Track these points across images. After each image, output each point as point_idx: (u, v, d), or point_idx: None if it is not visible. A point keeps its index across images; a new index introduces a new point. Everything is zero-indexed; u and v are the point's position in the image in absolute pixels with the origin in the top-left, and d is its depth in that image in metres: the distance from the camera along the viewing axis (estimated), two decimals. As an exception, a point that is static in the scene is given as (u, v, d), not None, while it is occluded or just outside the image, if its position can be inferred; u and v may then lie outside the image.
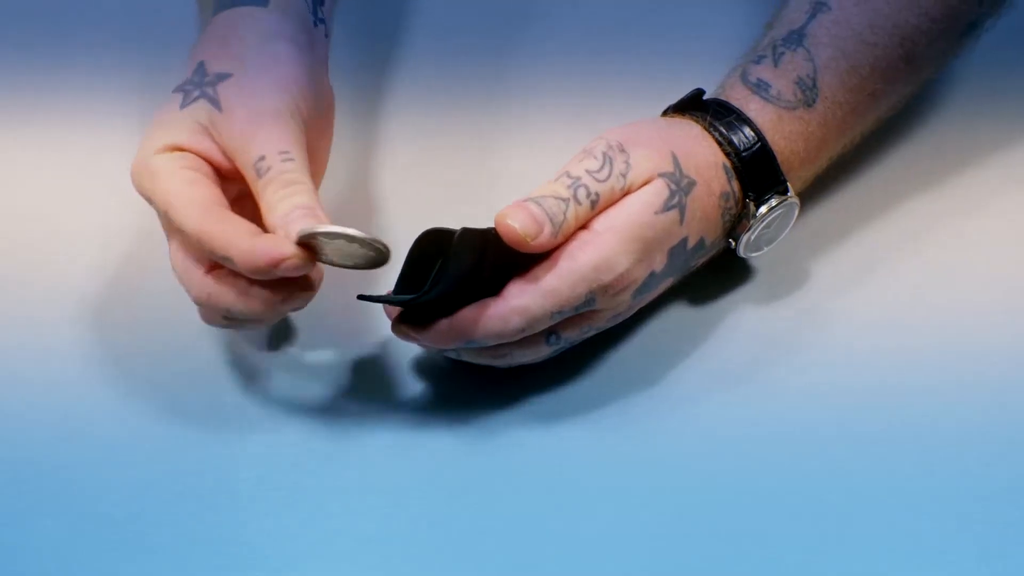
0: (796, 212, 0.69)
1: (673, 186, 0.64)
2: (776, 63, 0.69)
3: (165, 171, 0.62)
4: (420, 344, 0.64)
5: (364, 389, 0.67)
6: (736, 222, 0.68)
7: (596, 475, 0.64)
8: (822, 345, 0.69)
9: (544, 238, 0.61)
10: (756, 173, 0.67)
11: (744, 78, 0.69)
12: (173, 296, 0.67)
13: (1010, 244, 0.73)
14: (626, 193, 0.64)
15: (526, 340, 0.64)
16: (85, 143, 0.78)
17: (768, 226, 0.68)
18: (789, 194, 0.67)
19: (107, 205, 0.74)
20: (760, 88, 0.68)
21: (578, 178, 0.63)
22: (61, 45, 0.84)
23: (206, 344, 0.69)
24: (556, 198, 0.62)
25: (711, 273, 0.71)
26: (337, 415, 0.66)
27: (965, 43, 0.74)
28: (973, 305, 0.70)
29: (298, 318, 0.70)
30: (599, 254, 0.62)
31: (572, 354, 0.67)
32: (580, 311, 0.63)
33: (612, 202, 0.64)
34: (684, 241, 0.65)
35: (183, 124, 0.63)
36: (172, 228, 0.63)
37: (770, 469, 0.64)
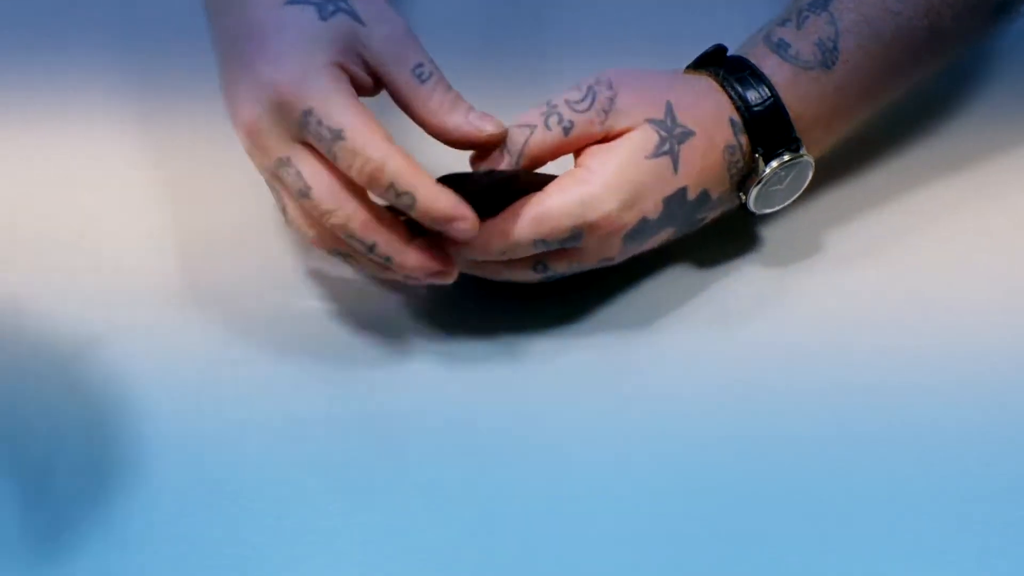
0: (810, 172, 0.69)
1: (663, 133, 0.65)
2: (799, 26, 0.69)
3: (339, 91, 0.62)
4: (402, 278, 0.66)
5: (368, 390, 0.68)
6: (746, 177, 0.68)
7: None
8: (822, 344, 0.69)
9: (497, 162, 0.65)
10: (766, 129, 0.67)
11: (767, 38, 0.69)
12: (170, 295, 0.68)
13: (1011, 244, 0.73)
14: (608, 131, 0.65)
15: (513, 263, 0.66)
16: (82, 141, 0.79)
17: (780, 183, 0.68)
18: (801, 152, 0.68)
19: (107, 205, 0.75)
20: (780, 47, 0.69)
21: (555, 106, 0.65)
22: (55, 45, 0.84)
23: (205, 345, 0.69)
24: (522, 126, 0.65)
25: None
26: (339, 416, 0.67)
27: (995, 23, 0.74)
28: (973, 305, 0.70)
29: (300, 320, 0.70)
30: (587, 192, 0.64)
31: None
32: (566, 245, 0.65)
33: (591, 136, 0.65)
34: (682, 192, 0.66)
35: (332, 37, 0.63)
36: (334, 147, 0.61)
37: (770, 469, 0.64)
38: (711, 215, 0.70)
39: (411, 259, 0.64)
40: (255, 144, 0.63)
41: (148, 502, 0.63)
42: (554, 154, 0.65)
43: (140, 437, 0.65)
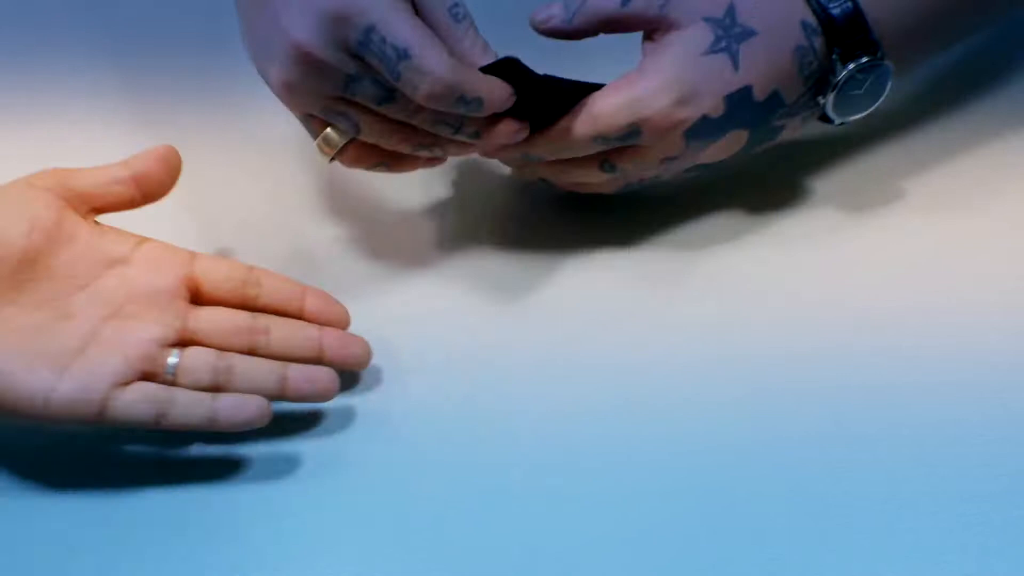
0: (890, 79, 0.70)
1: (719, 31, 0.66)
2: None
3: (400, 8, 0.62)
4: (482, 151, 0.69)
5: (364, 390, 0.68)
6: (822, 81, 0.69)
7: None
8: (819, 344, 0.69)
9: (554, 10, 0.68)
10: (843, 30, 0.68)
11: None
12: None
13: (1012, 242, 0.73)
14: (664, 18, 0.67)
15: (581, 161, 0.69)
16: (81, 142, 0.79)
17: (858, 87, 0.69)
18: (880, 55, 0.69)
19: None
20: None
21: None
22: (50, 46, 0.84)
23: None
24: None
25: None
26: (335, 415, 0.67)
27: None
28: (973, 305, 0.70)
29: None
30: (641, 89, 0.66)
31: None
32: (625, 143, 0.67)
33: (647, 18, 0.67)
34: (747, 91, 0.67)
35: None
36: (399, 66, 0.61)
37: (770, 472, 0.64)
38: (790, 124, 0.70)
39: (498, 127, 0.65)
40: (311, 71, 0.63)
41: (145, 498, 0.63)
42: (607, 23, 0.68)
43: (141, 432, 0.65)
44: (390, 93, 0.63)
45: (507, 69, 0.63)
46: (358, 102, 0.64)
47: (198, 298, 0.66)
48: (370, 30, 0.61)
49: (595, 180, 0.70)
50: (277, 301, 0.66)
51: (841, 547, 0.61)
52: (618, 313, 0.71)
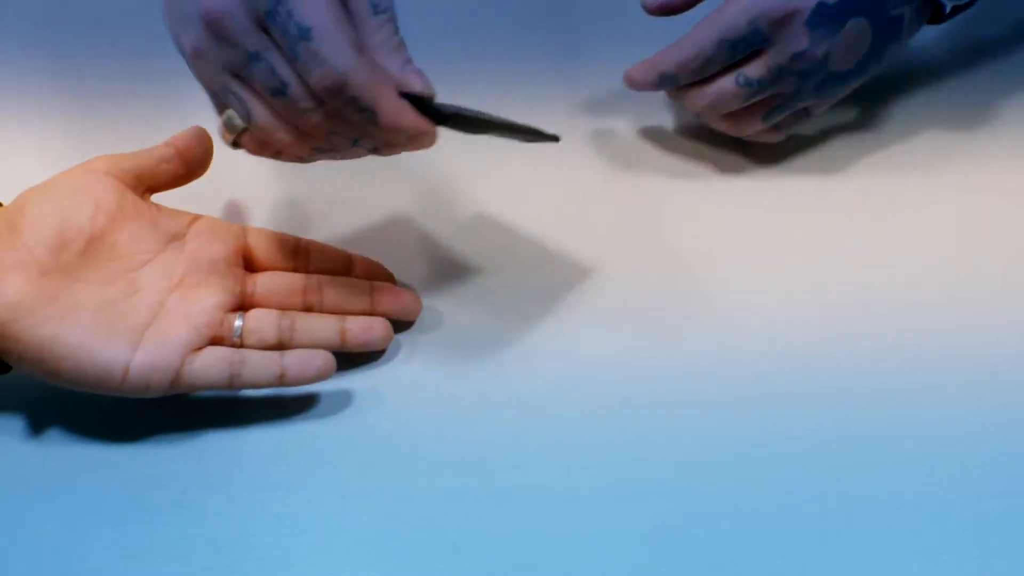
0: None
1: None
2: None
3: None
4: (631, 83, 0.74)
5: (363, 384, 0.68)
6: None
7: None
8: (820, 346, 0.69)
9: None
10: None
11: None
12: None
13: (1011, 242, 0.73)
14: None
15: (714, 80, 0.73)
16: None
17: None
18: None
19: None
20: None
21: None
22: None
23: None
24: None
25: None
26: (337, 409, 0.67)
27: None
28: (973, 305, 0.70)
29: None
30: None
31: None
32: (752, 46, 0.72)
33: None
34: None
35: None
36: (297, 47, 0.58)
37: (769, 473, 0.64)
38: (907, 14, 0.73)
39: (400, 147, 0.62)
40: (220, 36, 0.59)
41: (146, 497, 0.63)
42: None
43: (135, 431, 0.66)
44: (283, 86, 0.59)
45: (424, 103, 0.60)
46: (255, 88, 0.61)
47: (252, 266, 0.69)
48: (280, 2, 0.58)
49: (738, 103, 0.73)
50: (326, 266, 0.70)
51: (841, 547, 0.61)
52: (617, 313, 0.70)
